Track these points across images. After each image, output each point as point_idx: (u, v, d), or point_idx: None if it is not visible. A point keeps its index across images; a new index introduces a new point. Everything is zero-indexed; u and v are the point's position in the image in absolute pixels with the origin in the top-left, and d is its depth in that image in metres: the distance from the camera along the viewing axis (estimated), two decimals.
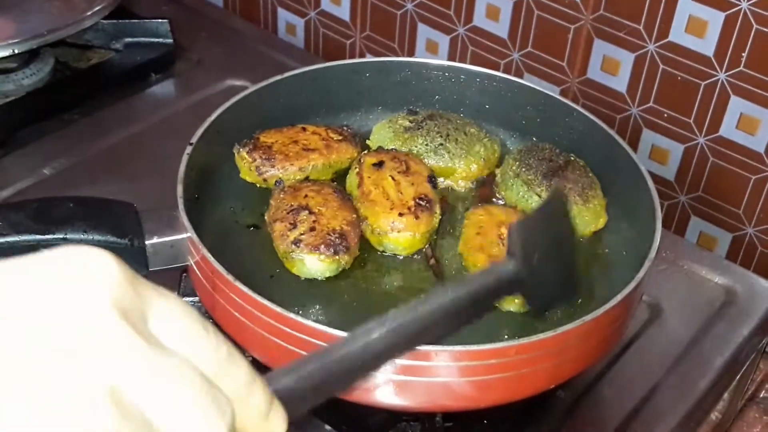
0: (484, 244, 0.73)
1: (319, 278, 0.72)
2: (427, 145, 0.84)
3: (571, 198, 0.78)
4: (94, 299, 0.30)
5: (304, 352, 0.61)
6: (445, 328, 0.46)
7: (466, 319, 0.48)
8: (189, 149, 0.74)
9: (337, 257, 0.71)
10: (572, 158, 0.82)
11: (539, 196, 0.79)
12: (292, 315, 0.60)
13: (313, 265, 0.71)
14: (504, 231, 0.73)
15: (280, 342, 0.62)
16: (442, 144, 0.84)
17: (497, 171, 0.85)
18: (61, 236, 0.65)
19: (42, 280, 0.30)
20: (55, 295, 0.30)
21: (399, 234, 0.75)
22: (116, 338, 0.30)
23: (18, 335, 0.29)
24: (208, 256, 0.64)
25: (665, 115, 0.96)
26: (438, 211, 0.77)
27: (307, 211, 0.73)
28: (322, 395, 0.38)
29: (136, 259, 0.66)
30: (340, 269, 0.72)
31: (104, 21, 1.06)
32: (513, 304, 0.70)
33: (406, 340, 0.42)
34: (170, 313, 0.32)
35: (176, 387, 0.30)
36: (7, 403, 0.28)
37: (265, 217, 0.76)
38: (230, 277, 0.63)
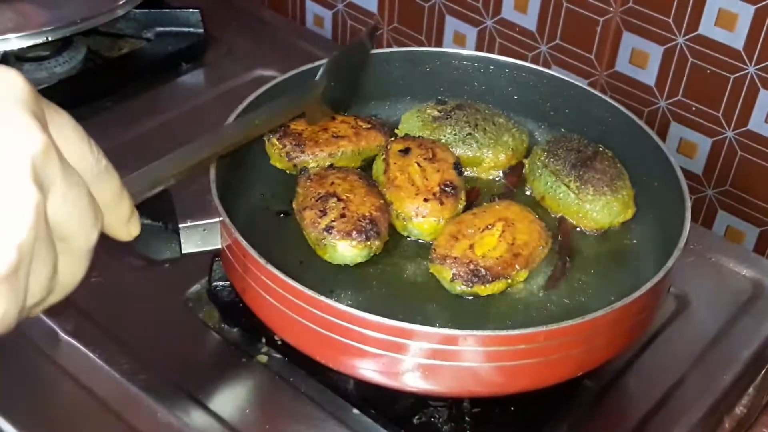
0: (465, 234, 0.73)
1: (350, 264, 0.73)
2: (455, 134, 0.84)
3: (600, 188, 0.78)
4: (11, 103, 0.37)
5: (334, 335, 0.62)
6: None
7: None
8: None
9: (368, 243, 0.72)
10: (600, 149, 0.82)
11: (567, 186, 0.79)
12: (323, 298, 0.61)
13: (346, 251, 0.71)
14: (499, 227, 0.73)
15: (311, 325, 0.63)
16: (470, 134, 0.84)
17: (525, 161, 0.85)
18: None
19: None
20: None
21: (423, 219, 0.75)
22: (32, 131, 0.37)
23: None
24: (240, 239, 0.65)
25: (694, 108, 0.96)
26: (463, 197, 0.77)
27: (335, 198, 0.74)
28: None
29: (169, 241, 0.67)
30: (371, 255, 0.73)
31: (136, 10, 1.08)
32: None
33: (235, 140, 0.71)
34: (64, 127, 0.40)
35: (74, 197, 0.39)
36: None
37: (293, 205, 0.77)
38: (262, 260, 0.63)
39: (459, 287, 0.70)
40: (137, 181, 0.55)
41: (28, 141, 0.36)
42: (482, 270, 0.70)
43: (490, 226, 0.73)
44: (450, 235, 0.73)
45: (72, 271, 0.41)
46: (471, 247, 0.72)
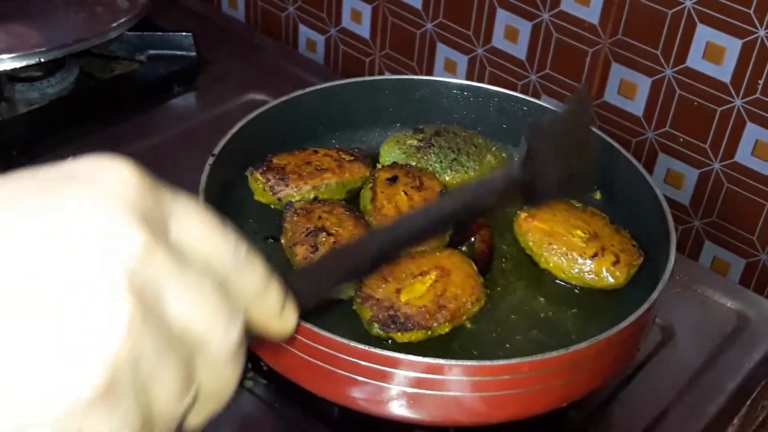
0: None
1: (344, 299, 0.72)
2: (441, 162, 0.85)
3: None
4: (111, 203, 0.32)
5: (320, 363, 0.62)
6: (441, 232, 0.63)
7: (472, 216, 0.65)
8: (211, 160, 0.76)
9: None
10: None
11: None
12: (309, 326, 0.61)
13: None
14: (433, 276, 0.71)
15: (297, 352, 0.63)
16: (455, 159, 0.85)
17: None
18: None
19: (59, 201, 0.31)
20: (75, 214, 0.31)
21: None
22: (129, 232, 0.31)
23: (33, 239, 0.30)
24: None
25: (681, 139, 0.96)
26: None
27: (324, 233, 0.74)
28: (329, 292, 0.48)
29: None
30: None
31: (129, 33, 1.08)
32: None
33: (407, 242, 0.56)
34: (190, 219, 0.34)
35: (194, 296, 0.33)
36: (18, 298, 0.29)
37: (282, 241, 0.77)
38: None
39: (375, 330, 0.68)
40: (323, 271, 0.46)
41: (125, 244, 0.31)
42: (401, 317, 0.68)
43: (423, 273, 0.71)
44: (381, 275, 0.71)
45: (216, 378, 0.36)
46: (397, 291, 0.69)
